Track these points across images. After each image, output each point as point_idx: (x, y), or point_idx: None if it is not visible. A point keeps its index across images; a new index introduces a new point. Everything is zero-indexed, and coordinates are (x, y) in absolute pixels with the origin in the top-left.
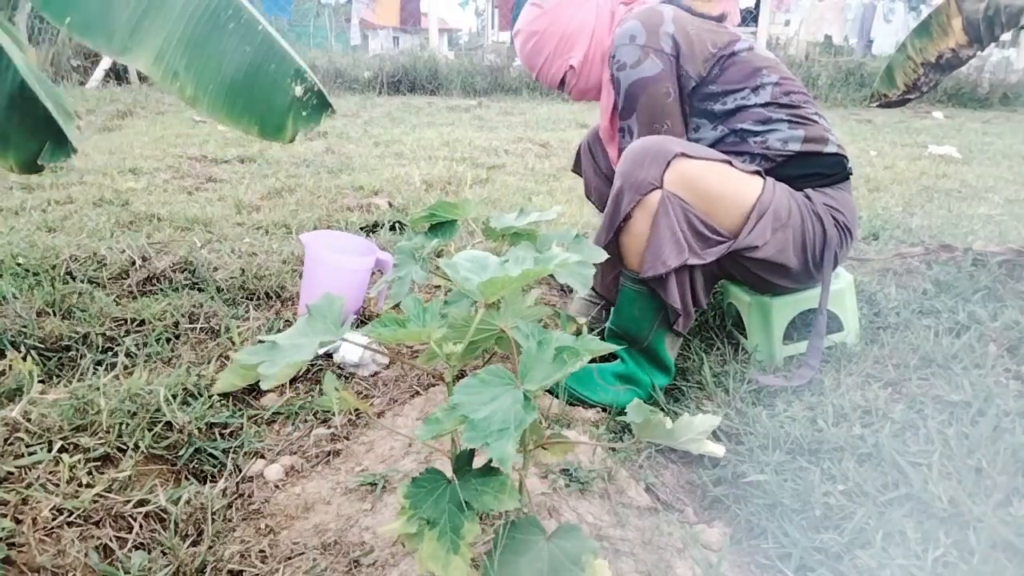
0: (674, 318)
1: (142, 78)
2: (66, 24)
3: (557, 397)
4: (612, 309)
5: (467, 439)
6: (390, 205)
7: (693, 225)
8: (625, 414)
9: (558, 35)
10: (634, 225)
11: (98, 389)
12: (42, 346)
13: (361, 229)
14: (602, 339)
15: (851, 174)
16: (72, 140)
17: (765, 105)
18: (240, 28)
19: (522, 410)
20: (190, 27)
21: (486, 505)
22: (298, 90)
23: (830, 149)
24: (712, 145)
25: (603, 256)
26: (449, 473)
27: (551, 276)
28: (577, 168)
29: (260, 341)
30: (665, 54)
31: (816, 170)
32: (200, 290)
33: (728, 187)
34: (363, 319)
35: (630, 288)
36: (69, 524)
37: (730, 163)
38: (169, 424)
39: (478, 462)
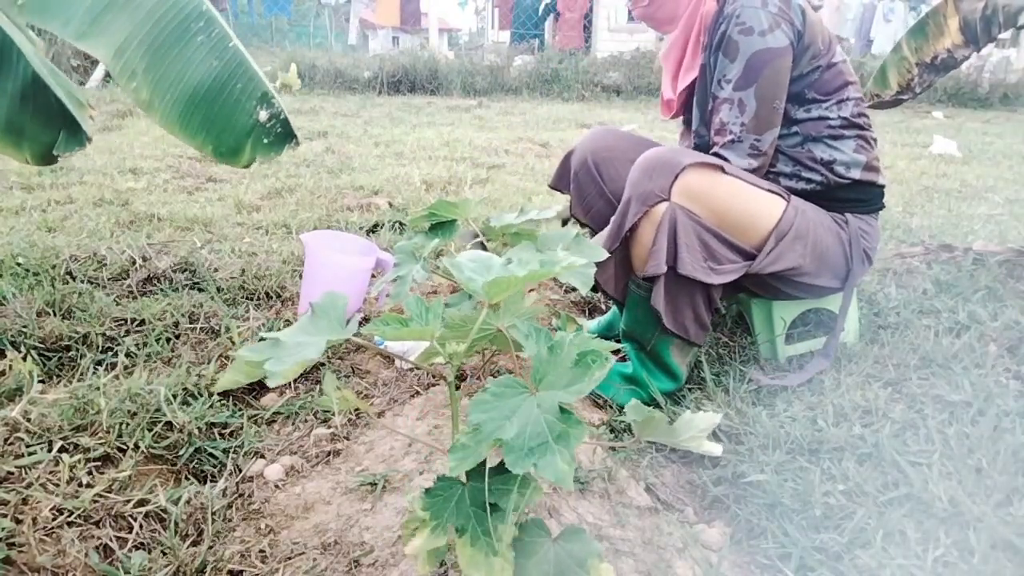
0: (663, 325)
1: None
2: (19, 4)
3: None
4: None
5: (511, 465)
6: (390, 205)
7: (704, 240)
8: (624, 413)
9: None
10: (641, 236)
11: (98, 389)
12: (42, 346)
13: (361, 229)
14: (618, 340)
15: (884, 207)
16: (86, 129)
17: (842, 122)
18: (209, 41)
19: (558, 422)
20: (155, 30)
21: (516, 504)
22: (263, 115)
23: (881, 181)
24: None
25: (604, 255)
26: (450, 474)
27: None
28: (560, 184)
29: (262, 339)
30: (795, 28)
31: (862, 197)
32: (200, 290)
33: (744, 204)
34: (364, 318)
35: (634, 291)
36: (69, 524)
37: (755, 184)
38: (169, 424)
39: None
